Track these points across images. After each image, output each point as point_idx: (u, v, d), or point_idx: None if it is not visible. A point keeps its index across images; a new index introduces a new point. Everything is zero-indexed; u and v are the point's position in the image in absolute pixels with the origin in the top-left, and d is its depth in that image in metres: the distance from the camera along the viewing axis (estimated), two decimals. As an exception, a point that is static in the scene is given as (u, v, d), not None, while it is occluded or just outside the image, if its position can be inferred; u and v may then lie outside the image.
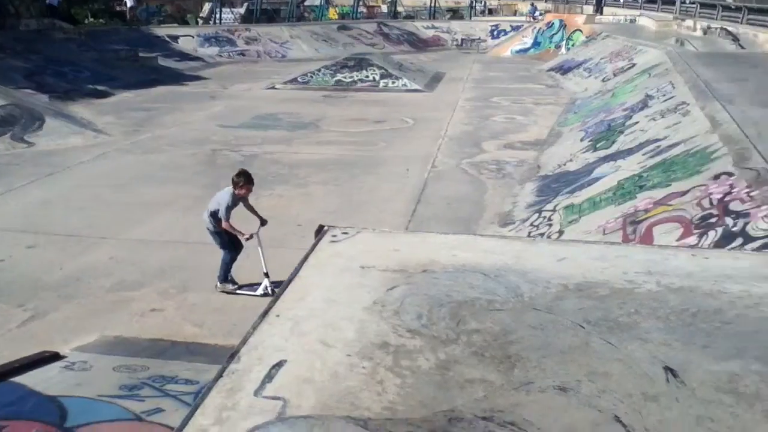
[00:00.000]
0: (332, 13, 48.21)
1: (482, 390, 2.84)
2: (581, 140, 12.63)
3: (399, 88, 22.79)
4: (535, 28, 37.37)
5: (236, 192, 7.40)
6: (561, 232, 7.63)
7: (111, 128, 16.17)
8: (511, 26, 41.35)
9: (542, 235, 7.83)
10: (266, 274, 7.43)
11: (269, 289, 7.34)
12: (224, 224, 7.37)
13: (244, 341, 3.27)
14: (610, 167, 9.35)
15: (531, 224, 8.51)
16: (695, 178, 7.04)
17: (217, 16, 38.90)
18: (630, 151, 9.72)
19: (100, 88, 21.50)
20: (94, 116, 17.41)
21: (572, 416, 2.66)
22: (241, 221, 7.56)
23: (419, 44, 39.06)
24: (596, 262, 4.23)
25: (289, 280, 3.98)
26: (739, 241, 5.19)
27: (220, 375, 2.98)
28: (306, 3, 48.41)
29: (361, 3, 48.41)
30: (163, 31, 32.31)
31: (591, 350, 3.16)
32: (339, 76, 23.74)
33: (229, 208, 7.35)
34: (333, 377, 2.95)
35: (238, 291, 7.49)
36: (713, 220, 5.80)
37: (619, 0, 46.67)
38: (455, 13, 51.18)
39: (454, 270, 4.06)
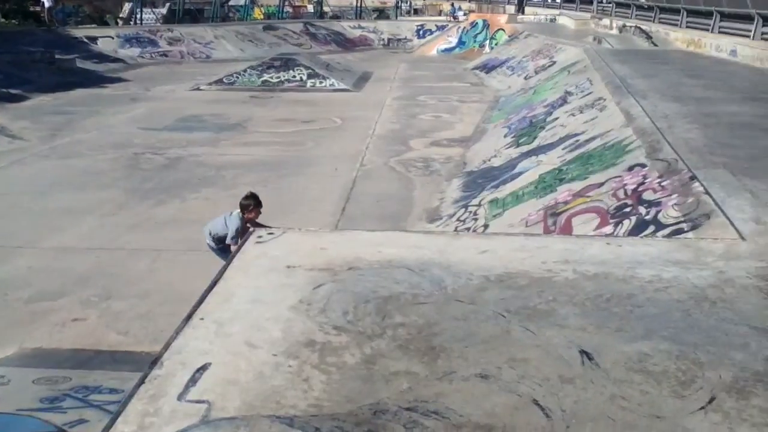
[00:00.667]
0: (257, 13, 47.61)
1: (407, 381, 2.90)
2: (505, 136, 12.95)
3: (327, 87, 22.73)
4: (459, 27, 37.92)
5: (245, 216, 7.03)
6: (486, 226, 7.81)
7: (27, 133, 15.49)
8: (436, 26, 41.82)
9: (468, 229, 7.99)
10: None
11: None
12: (234, 248, 7.10)
13: (166, 346, 3.23)
14: (532, 162, 9.63)
15: (458, 219, 8.68)
16: (611, 170, 7.34)
17: (138, 16, 37.82)
18: (551, 146, 10.04)
19: (13, 91, 20.53)
20: (8, 121, 16.63)
21: (493, 402, 2.74)
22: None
23: (346, 44, 39.01)
24: (517, 253, 4.37)
25: (214, 283, 3.95)
26: (652, 228, 5.45)
27: (141, 381, 2.94)
28: (230, 3, 47.61)
29: (286, 3, 48.01)
30: (80, 32, 31.11)
31: (511, 338, 3.27)
32: (265, 77, 23.47)
33: (238, 233, 6.94)
34: (258, 377, 2.95)
35: None
36: (628, 209, 6.07)
37: (540, 0, 48.07)
38: (381, 13, 51.39)
39: (379, 266, 4.12)
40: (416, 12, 52.21)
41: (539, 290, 3.77)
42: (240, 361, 3.08)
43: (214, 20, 39.83)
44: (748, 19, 17.62)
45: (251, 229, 4.74)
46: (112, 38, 31.01)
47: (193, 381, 2.92)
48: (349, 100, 20.69)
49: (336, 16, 47.42)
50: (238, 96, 20.94)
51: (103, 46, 29.98)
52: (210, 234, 7.25)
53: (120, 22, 38.54)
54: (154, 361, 3.10)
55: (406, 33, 41.62)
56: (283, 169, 12.23)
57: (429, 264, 4.12)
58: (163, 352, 3.17)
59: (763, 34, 17.01)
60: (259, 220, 7.29)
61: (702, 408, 2.69)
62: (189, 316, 3.51)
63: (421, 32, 41.58)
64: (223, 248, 7.18)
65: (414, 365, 3.02)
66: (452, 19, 43.19)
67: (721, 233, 4.70)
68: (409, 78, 25.44)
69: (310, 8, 50.97)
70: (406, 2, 55.43)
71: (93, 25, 35.28)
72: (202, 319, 3.49)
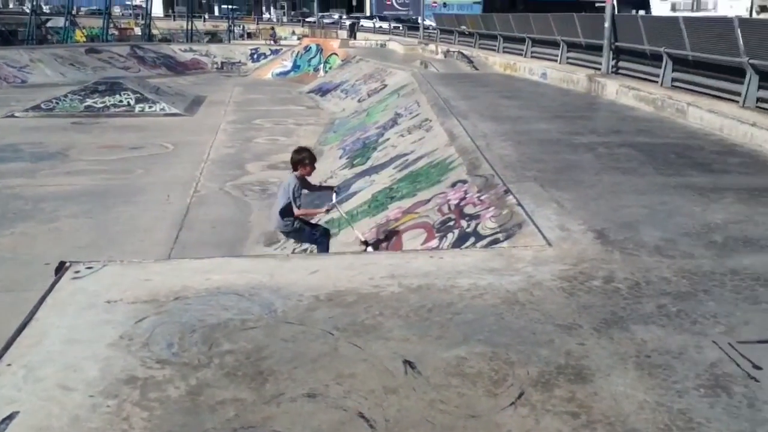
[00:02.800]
0: (79, 36, 44.90)
1: (234, 409, 2.86)
2: (340, 158, 13.21)
3: (157, 112, 21.89)
4: (293, 51, 38.22)
5: (300, 173, 6.45)
6: (323, 247, 7.89)
7: None
8: (270, 50, 41.88)
9: (305, 250, 8.03)
10: (366, 243, 6.68)
11: None
12: (297, 212, 6.41)
13: (-34, 398, 2.95)
14: (366, 182, 9.90)
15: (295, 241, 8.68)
16: (437, 187, 7.73)
17: (-63, 38, 34.30)
18: (382, 166, 10.38)
19: None
20: None
21: (320, 419, 2.79)
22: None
23: (177, 67, 37.90)
24: (346, 271, 4.48)
25: (23, 325, 3.66)
26: (472, 240, 5.81)
27: (-66, 440, 2.66)
28: (48, 24, 44.55)
29: (111, 25, 45.78)
30: None
31: (339, 355, 3.34)
32: (89, 102, 22.16)
33: (296, 193, 6.32)
34: (73, 422, 2.78)
35: None
36: (451, 223, 6.44)
37: (371, 26, 49.73)
38: (214, 37, 50.58)
39: (207, 294, 4.04)
40: (250, 36, 51.91)
41: (367, 306, 3.89)
42: (53, 406, 2.88)
43: (29, 42, 37.01)
44: (555, 45, 19.39)
45: (67, 264, 4.43)
46: None
47: (-4, 433, 2.69)
48: (182, 124, 20.06)
49: (166, 39, 46.01)
50: (59, 123, 19.58)
51: None
52: (276, 215, 6.53)
53: None
54: (-49, 416, 2.82)
55: (240, 57, 41.26)
56: (109, 198, 11.56)
57: (259, 288, 4.10)
58: (-39, 405, 2.89)
59: (568, 58, 18.79)
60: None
61: (512, 403, 2.91)
62: (-7, 363, 3.23)
63: (255, 56, 41.40)
64: (297, 228, 6.59)
65: (241, 392, 2.99)
66: (273, 42, 44.20)
67: (531, 241, 5.11)
68: (244, 101, 25.17)
69: (138, 31, 49.00)
70: (239, 26, 55.01)
71: None
72: (9, 365, 3.23)
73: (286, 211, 6.47)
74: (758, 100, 10.25)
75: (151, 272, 4.44)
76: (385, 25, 48.08)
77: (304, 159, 6.53)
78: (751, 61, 10.12)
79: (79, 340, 3.46)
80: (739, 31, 10.41)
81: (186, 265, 4.71)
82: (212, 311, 3.80)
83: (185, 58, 39.96)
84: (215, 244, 9.21)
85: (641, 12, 26.71)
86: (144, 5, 49.42)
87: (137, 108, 22.11)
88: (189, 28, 47.82)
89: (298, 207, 6.43)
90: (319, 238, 6.78)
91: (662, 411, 2.84)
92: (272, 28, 50.55)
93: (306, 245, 7.47)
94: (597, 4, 29.34)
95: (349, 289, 4.12)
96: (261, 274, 4.34)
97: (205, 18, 60.70)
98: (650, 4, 32.08)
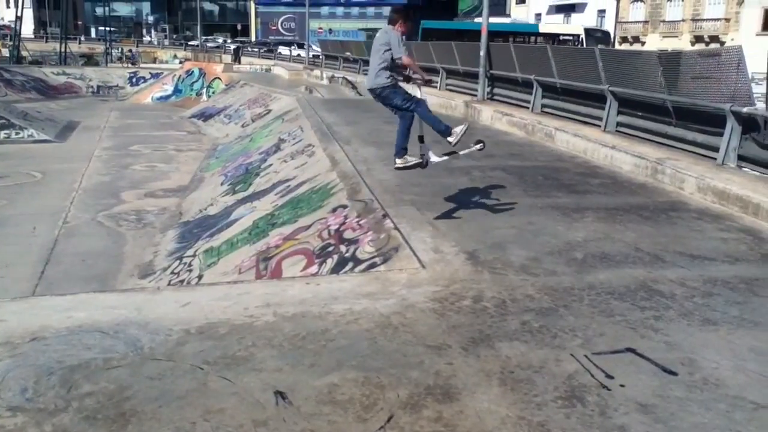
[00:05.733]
0: (-64, 57, 41.79)
1: (91, 455, 2.72)
2: (222, 184, 12.95)
3: (24, 139, 20.64)
4: (175, 75, 37.25)
5: (397, 30, 5.99)
6: (201, 276, 7.69)
7: None
8: (150, 73, 40.57)
9: (183, 281, 7.79)
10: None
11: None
12: (407, 60, 5.94)
13: None
14: (247, 208, 9.75)
15: (172, 272, 8.41)
16: (318, 213, 7.74)
17: None
18: (265, 192, 10.28)
19: None
20: None
21: (184, 459, 2.69)
22: None
23: (49, 91, 35.91)
24: (219, 302, 4.38)
25: None
26: (351, 265, 5.85)
27: None
28: None
29: (-25, 46, 42.92)
30: None
31: (209, 390, 3.25)
32: (-54, 128, 20.63)
33: (401, 43, 5.83)
34: None
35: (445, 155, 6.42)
36: (331, 248, 6.46)
37: (255, 51, 49.37)
38: (89, 59, 48.50)
39: (68, 333, 3.82)
40: (129, 59, 50.14)
41: (239, 337, 3.82)
42: None
43: None
44: (435, 72, 20.03)
45: None
46: None
47: None
48: (52, 151, 19.00)
49: (37, 62, 43.68)
50: None
51: None
52: (381, 72, 6.01)
53: None
54: None
55: (117, 80, 39.71)
56: (-33, 233, 10.75)
57: (125, 324, 3.93)
58: None
59: (447, 85, 19.48)
60: None
61: (381, 428, 2.94)
62: None
63: (134, 79, 40.00)
64: (394, 85, 6.14)
65: (101, 435, 2.84)
66: (131, 65, 43.22)
67: (407, 264, 5.21)
68: (121, 127, 24.21)
69: (5, 52, 46.14)
70: (118, 49, 53.02)
71: None
72: None
73: (391, 67, 6.10)
74: (618, 124, 11.04)
75: (6, 312, 4.15)
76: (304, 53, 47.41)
77: (401, 17, 6.18)
78: (611, 88, 10.90)
79: None
80: (600, 60, 11.20)
81: (45, 303, 4.44)
82: (73, 351, 3.60)
83: (58, 82, 37.96)
84: (85, 278, 8.74)
85: (600, 46, 28.23)
86: (13, 25, 46.65)
87: (2, 134, 20.78)
88: (63, 50, 45.55)
89: (407, 55, 6.12)
90: (412, 104, 6.37)
91: (523, 425, 2.96)
92: (130, 50, 49.10)
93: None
94: (561, 37, 30.76)
95: (222, 320, 4.03)
96: (128, 310, 4.17)
97: (80, 40, 58.07)
98: (612, 39, 34.31)
